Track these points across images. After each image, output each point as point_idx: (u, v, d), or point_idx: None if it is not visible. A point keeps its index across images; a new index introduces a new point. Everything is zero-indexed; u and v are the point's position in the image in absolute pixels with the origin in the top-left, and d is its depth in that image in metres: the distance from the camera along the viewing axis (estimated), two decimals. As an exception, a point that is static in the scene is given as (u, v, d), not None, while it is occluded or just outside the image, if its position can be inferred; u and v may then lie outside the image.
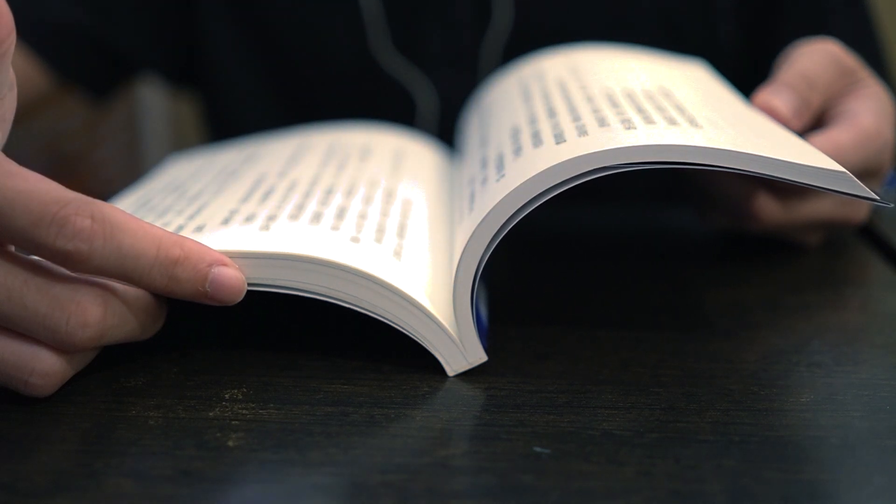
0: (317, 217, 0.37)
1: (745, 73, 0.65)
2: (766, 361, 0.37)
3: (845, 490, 0.28)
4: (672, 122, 0.36)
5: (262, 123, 0.69)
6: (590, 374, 0.35)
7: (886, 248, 0.50)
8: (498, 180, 0.36)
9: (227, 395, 0.33)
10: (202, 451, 0.30)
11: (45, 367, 0.31)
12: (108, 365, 0.35)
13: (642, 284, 0.45)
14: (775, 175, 0.34)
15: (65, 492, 0.27)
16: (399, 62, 0.68)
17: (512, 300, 0.43)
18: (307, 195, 0.40)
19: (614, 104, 0.39)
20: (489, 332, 0.38)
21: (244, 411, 0.32)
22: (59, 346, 0.31)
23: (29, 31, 0.65)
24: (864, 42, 0.67)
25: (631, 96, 0.40)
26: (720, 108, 0.40)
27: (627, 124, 0.35)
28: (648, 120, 0.36)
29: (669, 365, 0.36)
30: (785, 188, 0.46)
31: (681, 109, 0.38)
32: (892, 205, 0.35)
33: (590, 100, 0.40)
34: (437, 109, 0.68)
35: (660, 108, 0.37)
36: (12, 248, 0.31)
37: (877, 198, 0.34)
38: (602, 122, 0.36)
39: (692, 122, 0.36)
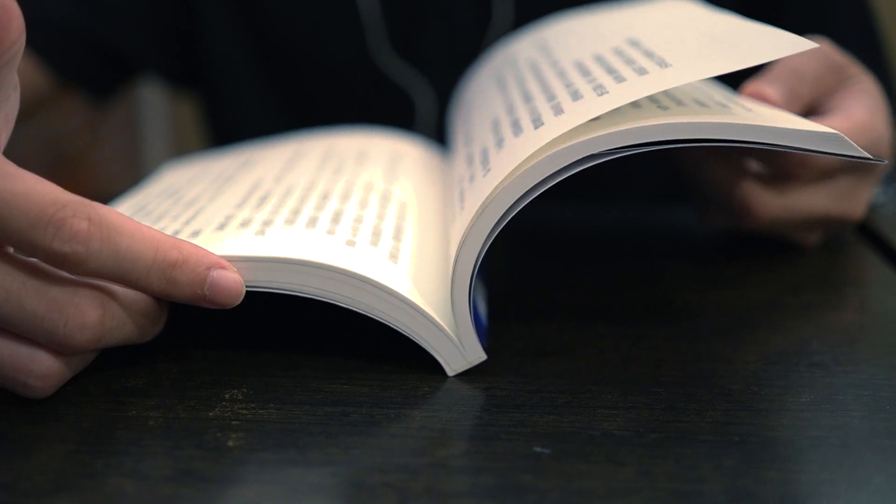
0: (312, 222, 0.37)
1: (747, 74, 0.65)
2: (766, 361, 0.37)
3: (845, 490, 0.28)
4: (642, 72, 0.35)
5: (262, 125, 0.69)
6: (590, 373, 0.35)
7: (886, 248, 0.50)
8: (485, 175, 0.36)
9: (227, 395, 0.33)
10: (202, 451, 0.30)
11: (43, 368, 0.31)
12: (108, 365, 0.35)
13: (642, 284, 0.45)
14: (768, 142, 0.33)
15: (65, 492, 0.27)
16: (398, 64, 0.68)
17: (512, 300, 0.43)
18: (303, 200, 0.40)
19: (585, 73, 0.38)
20: (489, 332, 0.38)
21: (244, 411, 0.32)
22: (57, 348, 0.31)
23: (30, 31, 0.65)
24: (865, 42, 0.67)
25: (600, 59, 0.39)
26: (708, 91, 0.39)
27: (600, 90, 0.35)
28: (619, 78, 0.35)
29: (669, 365, 0.36)
30: (775, 175, 0.46)
31: (650, 54, 0.37)
32: (886, 161, 0.35)
33: (562, 74, 0.40)
34: (436, 111, 0.68)
35: (629, 62, 0.37)
36: (10, 250, 0.31)
37: (870, 157, 0.34)
38: (576, 95, 0.36)
39: (662, 63, 0.35)
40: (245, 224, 0.37)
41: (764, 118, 0.34)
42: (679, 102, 0.36)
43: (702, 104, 0.36)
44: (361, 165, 0.46)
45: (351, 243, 0.36)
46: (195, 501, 0.27)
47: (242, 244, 0.35)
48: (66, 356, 0.31)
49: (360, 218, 0.39)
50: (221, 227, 0.37)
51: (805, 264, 0.48)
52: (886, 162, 0.35)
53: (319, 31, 0.69)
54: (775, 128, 0.33)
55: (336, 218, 0.38)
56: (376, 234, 0.38)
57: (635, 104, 0.35)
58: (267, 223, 0.37)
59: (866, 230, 0.52)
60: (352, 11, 0.68)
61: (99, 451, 0.30)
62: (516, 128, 0.37)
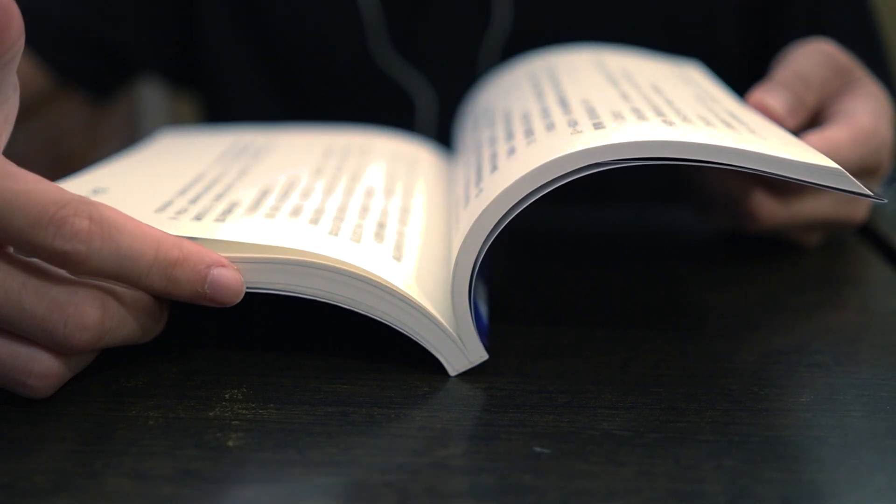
0: (316, 217, 0.37)
1: (747, 73, 0.65)
2: (766, 361, 0.37)
3: (845, 490, 0.28)
4: (659, 113, 0.36)
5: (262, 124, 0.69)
6: (590, 374, 0.35)
7: (886, 248, 0.50)
8: (491, 177, 0.36)
9: (227, 395, 0.33)
10: (202, 451, 0.30)
11: (42, 368, 0.31)
12: (108, 365, 0.35)
13: (642, 284, 0.45)
14: (770, 171, 0.33)
15: (65, 492, 0.27)
16: (398, 64, 0.68)
17: (512, 300, 0.43)
18: (306, 195, 0.40)
19: (609, 103, 0.39)
20: (490, 332, 0.38)
21: (244, 411, 0.32)
22: (57, 348, 0.31)
23: (29, 31, 0.65)
24: (865, 42, 0.67)
25: (625, 97, 0.40)
26: (712, 106, 0.40)
27: (618, 118, 0.36)
28: (642, 117, 0.36)
29: (669, 365, 0.36)
30: (782, 187, 0.46)
31: (670, 103, 0.38)
32: (886, 200, 0.35)
33: (584, 101, 0.40)
34: (436, 111, 0.68)
35: (655, 108, 0.37)
36: (11, 250, 0.31)
37: (870, 194, 0.34)
38: (593, 115, 0.36)
39: (685, 119, 0.36)
40: (252, 210, 0.37)
41: (768, 143, 0.35)
42: (685, 119, 0.36)
43: (708, 123, 0.36)
44: (364, 165, 0.46)
45: (356, 240, 0.36)
46: (195, 501, 0.27)
47: (247, 228, 0.35)
48: (65, 356, 0.31)
49: (364, 217, 0.39)
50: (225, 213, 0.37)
51: (806, 264, 0.48)
52: (886, 200, 0.35)
53: (320, 31, 0.69)
54: (778, 158, 0.33)
55: (340, 215, 0.38)
56: (379, 235, 0.38)
57: (641, 117, 0.36)
58: (270, 215, 0.37)
59: (867, 230, 0.52)
60: (352, 11, 0.68)
61: (99, 451, 0.30)
62: (529, 135, 0.37)
